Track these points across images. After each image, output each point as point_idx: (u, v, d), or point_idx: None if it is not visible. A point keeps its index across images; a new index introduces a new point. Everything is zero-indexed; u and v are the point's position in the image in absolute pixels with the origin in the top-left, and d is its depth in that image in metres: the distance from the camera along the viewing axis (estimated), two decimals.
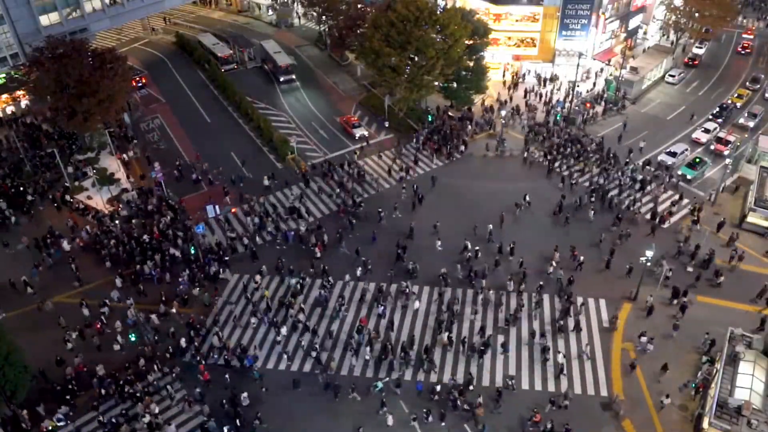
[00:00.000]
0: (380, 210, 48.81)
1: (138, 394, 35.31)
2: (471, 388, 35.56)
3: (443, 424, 34.22)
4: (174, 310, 40.81)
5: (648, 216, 48.48)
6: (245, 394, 35.26)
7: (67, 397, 35.14)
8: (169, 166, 54.52)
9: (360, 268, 43.34)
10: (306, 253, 45.65)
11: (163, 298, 41.37)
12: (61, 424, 34.11)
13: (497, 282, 42.94)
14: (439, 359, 37.89)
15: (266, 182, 52.35)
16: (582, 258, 43.68)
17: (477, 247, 44.93)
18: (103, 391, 35.46)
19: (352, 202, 50.36)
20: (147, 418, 33.84)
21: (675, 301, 40.88)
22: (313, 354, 37.72)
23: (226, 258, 45.11)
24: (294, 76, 69.50)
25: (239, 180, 52.75)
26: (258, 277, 43.23)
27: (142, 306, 41.05)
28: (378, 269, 43.94)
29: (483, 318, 40.64)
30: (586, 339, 39.21)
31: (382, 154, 57.01)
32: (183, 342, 38.13)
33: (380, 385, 35.31)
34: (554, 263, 43.57)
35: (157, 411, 34.47)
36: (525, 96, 65.98)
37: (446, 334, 38.82)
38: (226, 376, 36.19)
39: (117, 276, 42.79)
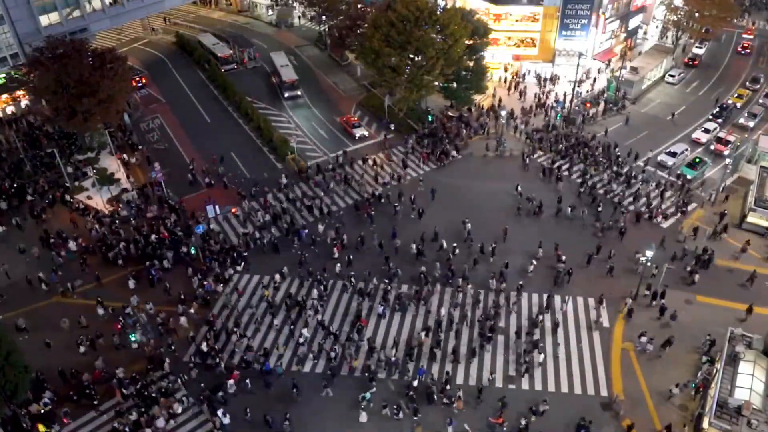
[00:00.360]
0: (396, 205, 49.20)
1: (154, 395, 35.22)
2: (448, 387, 35.60)
3: (415, 418, 34.33)
4: (192, 311, 40.82)
5: (647, 215, 48.74)
6: (231, 382, 35.69)
7: (95, 402, 35.23)
8: (170, 166, 54.53)
9: (339, 265, 43.72)
10: (324, 252, 45.60)
11: (182, 297, 41.43)
12: (49, 407, 34.49)
13: (479, 281, 42.99)
14: (416, 357, 38.13)
15: (284, 180, 52.58)
16: (564, 257, 43.82)
17: (455, 244, 45.17)
18: (124, 391, 35.47)
19: (372, 195, 50.79)
20: (134, 416, 33.88)
21: (654, 302, 41.25)
22: (332, 354, 37.64)
23: (245, 254, 45.20)
24: (299, 92, 66.88)
25: (254, 183, 52.41)
26: (278, 277, 43.18)
27: (165, 308, 41.12)
28: (401, 266, 43.94)
29: (460, 316, 40.77)
30: (564, 338, 39.42)
31: (370, 158, 56.31)
32: (204, 346, 37.97)
33: (368, 396, 34.93)
34: (534, 261, 43.71)
35: (180, 411, 34.43)
36: (519, 97, 65.76)
37: (423, 333, 38.97)
38: (247, 381, 35.97)
39: (131, 278, 42.73)
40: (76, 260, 44.62)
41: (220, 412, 33.84)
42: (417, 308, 41.23)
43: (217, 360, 37.42)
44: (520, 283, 42.25)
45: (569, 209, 48.61)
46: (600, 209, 48.45)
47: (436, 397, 35.10)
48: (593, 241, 45.81)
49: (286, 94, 66.78)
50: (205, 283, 42.65)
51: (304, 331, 39.01)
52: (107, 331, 39.16)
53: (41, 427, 33.68)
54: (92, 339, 38.52)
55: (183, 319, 40.01)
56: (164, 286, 42.62)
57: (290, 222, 48.30)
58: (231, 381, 35.75)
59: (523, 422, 33.50)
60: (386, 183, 52.85)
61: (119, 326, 39.24)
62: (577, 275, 43.37)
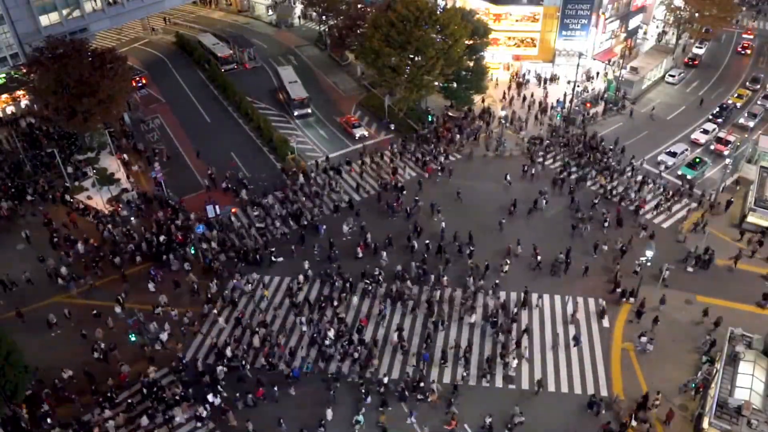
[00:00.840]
0: (417, 198, 49.75)
1: (177, 397, 35.11)
2: (422, 384, 35.68)
3: (381, 408, 34.70)
4: (216, 311, 40.93)
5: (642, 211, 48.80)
6: (220, 368, 36.10)
7: (124, 398, 35.41)
8: (172, 166, 54.57)
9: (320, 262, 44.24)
10: (346, 252, 45.51)
11: (209, 295, 41.57)
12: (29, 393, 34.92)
13: (457, 281, 43.24)
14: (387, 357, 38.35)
15: (302, 179, 52.92)
16: (540, 258, 43.95)
17: (427, 241, 45.38)
18: (144, 391, 35.52)
19: (395, 186, 51.73)
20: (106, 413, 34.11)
21: (623, 300, 41.51)
22: (355, 356, 37.61)
23: (272, 249, 45.28)
24: (310, 110, 63.18)
25: (273, 185, 52.45)
26: (301, 278, 43.10)
27: (193, 308, 41.46)
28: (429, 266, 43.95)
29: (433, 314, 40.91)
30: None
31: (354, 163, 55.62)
32: (229, 351, 37.68)
33: (362, 419, 34.36)
34: (508, 261, 43.64)
35: (204, 415, 34.22)
36: (503, 98, 65.05)
37: (396, 333, 38.91)
38: (275, 388, 35.58)
39: (150, 281, 42.59)
40: (87, 258, 44.61)
41: (210, 396, 34.04)
42: (403, 306, 41.26)
43: (243, 363, 37.21)
44: (496, 282, 42.48)
45: (544, 202, 49.20)
46: (606, 224, 47.51)
47: (407, 393, 35.24)
48: (590, 241, 45.87)
49: (296, 113, 62.93)
50: (233, 281, 42.88)
51: (330, 333, 38.78)
52: (127, 330, 38.98)
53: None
54: (106, 351, 37.96)
55: (221, 319, 40.24)
56: (191, 287, 42.70)
57: (310, 219, 48.51)
58: (220, 367, 36.29)
59: (487, 420, 33.43)
60: (367, 191, 52.21)
61: (136, 325, 39.42)
62: (583, 275, 43.54)
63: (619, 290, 41.74)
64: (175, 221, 47.75)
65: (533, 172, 53.50)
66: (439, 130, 59.37)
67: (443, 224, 46.87)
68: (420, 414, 34.41)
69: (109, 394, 35.17)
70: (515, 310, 40.51)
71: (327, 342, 38.44)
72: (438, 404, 34.99)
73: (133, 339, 38.32)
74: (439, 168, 54.20)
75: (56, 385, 35.79)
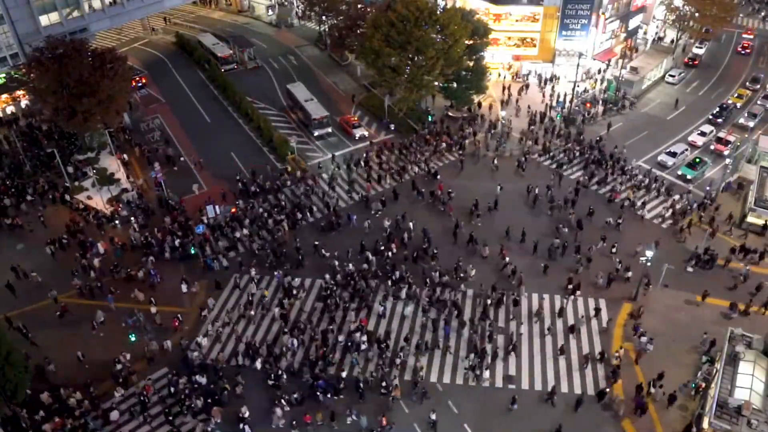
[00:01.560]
0: (450, 191, 50.34)
1: (208, 400, 34.85)
2: (386, 384, 35.76)
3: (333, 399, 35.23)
4: (252, 313, 40.99)
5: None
6: (195, 353, 36.92)
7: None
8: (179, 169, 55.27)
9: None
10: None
11: (249, 299, 41.70)
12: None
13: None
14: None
15: (325, 175, 53.36)
16: (508, 258, 44.08)
17: (383, 246, 45.41)
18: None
19: (428, 172, 53.75)
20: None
21: (572, 296, 41.93)
22: (388, 357, 37.56)
23: (316, 242, 45.40)
24: (330, 129, 59.82)
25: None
26: (327, 276, 43.07)
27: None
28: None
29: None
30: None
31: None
32: (258, 363, 37.18)
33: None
34: (470, 270, 43.42)
35: (247, 414, 33.90)
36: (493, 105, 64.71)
37: (359, 334, 38.78)
38: (328, 394, 35.11)
39: (183, 282, 42.37)
40: (110, 261, 44.69)
41: (197, 377, 34.40)
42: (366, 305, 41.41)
43: (279, 371, 36.54)
44: (462, 274, 42.80)
45: (498, 187, 50.25)
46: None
47: (361, 386, 35.33)
48: (588, 241, 45.83)
49: (316, 133, 59.20)
50: (275, 273, 43.20)
51: (363, 338, 38.52)
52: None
53: None
54: (126, 375, 37.10)
55: (276, 310, 40.80)
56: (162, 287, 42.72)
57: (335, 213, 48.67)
58: (195, 353, 36.98)
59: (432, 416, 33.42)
60: (335, 198, 51.47)
61: (176, 323, 39.76)
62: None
63: (570, 286, 42.09)
64: (202, 218, 47.76)
65: (536, 192, 50.73)
66: (426, 137, 58.74)
67: (411, 224, 47.00)
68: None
69: (143, 398, 35.06)
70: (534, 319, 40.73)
71: (363, 347, 38.14)
72: (399, 398, 35.17)
73: (132, 339, 38.26)
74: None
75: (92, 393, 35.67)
